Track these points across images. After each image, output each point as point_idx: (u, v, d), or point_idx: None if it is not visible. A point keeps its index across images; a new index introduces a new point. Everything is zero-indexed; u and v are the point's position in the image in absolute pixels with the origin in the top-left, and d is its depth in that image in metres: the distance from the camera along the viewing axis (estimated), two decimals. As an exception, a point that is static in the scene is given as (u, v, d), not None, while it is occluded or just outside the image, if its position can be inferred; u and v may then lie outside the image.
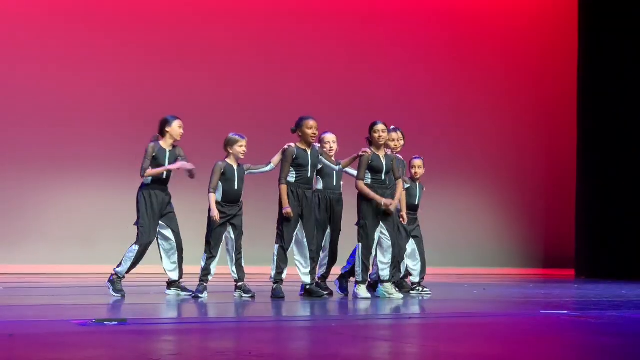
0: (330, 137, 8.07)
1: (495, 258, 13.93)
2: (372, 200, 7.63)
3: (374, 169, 7.66)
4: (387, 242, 7.72)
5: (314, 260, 7.70)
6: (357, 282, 7.75)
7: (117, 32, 12.13)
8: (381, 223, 7.71)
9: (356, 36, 13.57)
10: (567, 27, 14.82)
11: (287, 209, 7.47)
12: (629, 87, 13.76)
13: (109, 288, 7.41)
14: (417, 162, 8.51)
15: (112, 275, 7.45)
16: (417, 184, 8.55)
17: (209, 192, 7.46)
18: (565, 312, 6.82)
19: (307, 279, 7.70)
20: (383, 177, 7.71)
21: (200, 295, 7.40)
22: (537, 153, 14.69)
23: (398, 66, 13.87)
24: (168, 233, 7.52)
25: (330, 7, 13.45)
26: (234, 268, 7.55)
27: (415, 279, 8.54)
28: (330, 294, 7.95)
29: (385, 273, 7.74)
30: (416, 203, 8.53)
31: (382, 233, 7.74)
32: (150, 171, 7.40)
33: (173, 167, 7.46)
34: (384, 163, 7.69)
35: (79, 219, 11.18)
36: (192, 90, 12.35)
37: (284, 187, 7.54)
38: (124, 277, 7.47)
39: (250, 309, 6.90)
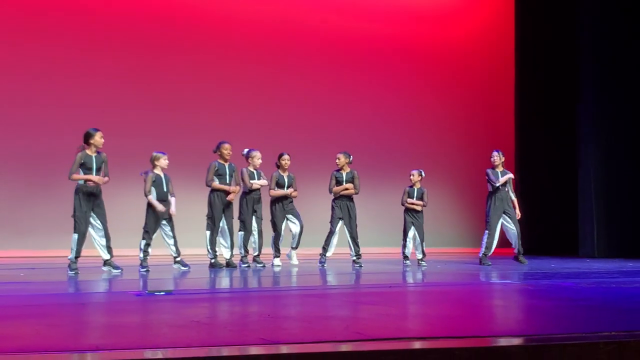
0: (256, 154, 8.92)
1: (456, 239, 13.96)
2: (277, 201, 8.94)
3: (279, 184, 8.91)
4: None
5: (232, 242, 8.61)
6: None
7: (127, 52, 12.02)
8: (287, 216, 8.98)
9: (333, 64, 13.55)
10: (506, 59, 14.88)
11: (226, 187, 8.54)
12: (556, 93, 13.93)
13: (69, 269, 7.32)
14: (413, 172, 9.52)
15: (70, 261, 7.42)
16: (415, 188, 9.43)
17: (146, 195, 7.96)
18: (509, 281, 6.85)
19: (228, 255, 8.58)
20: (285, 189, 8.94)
21: (148, 270, 7.75)
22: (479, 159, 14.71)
23: (383, 96, 13.90)
24: (97, 223, 7.50)
25: (314, 46, 13.42)
26: (173, 248, 8.11)
27: (419, 255, 9.41)
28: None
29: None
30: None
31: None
32: (76, 176, 7.40)
33: (92, 177, 7.38)
34: (285, 181, 8.92)
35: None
36: (193, 107, 12.27)
37: (214, 184, 8.50)
38: (76, 260, 7.39)
39: (267, 281, 6.92)
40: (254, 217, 8.77)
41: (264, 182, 8.87)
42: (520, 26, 14.71)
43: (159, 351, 2.84)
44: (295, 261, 9.22)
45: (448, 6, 14.79)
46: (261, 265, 8.61)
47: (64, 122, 11.17)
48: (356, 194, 9.09)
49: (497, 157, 9.62)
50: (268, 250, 9.14)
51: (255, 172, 8.85)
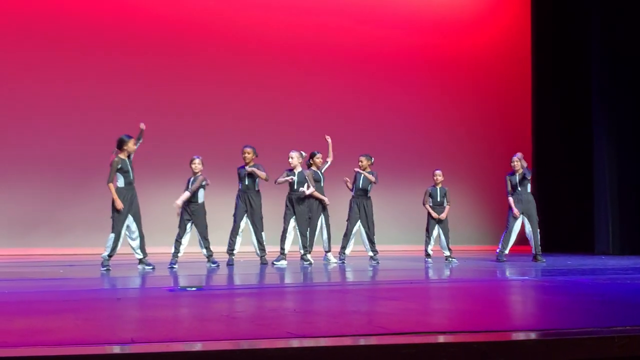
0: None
1: (475, 237, 13.86)
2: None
3: (315, 180, 8.72)
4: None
5: (263, 241, 8.45)
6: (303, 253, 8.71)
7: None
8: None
9: (354, 71, 13.48)
10: (523, 64, 14.75)
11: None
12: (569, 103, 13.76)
13: (101, 266, 7.40)
14: (436, 172, 9.52)
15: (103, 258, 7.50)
16: (438, 187, 9.47)
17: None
18: (526, 277, 6.80)
19: (259, 252, 8.48)
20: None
21: (172, 267, 7.81)
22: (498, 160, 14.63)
23: (404, 100, 13.84)
24: (132, 224, 7.56)
25: (337, 54, 13.37)
26: (204, 250, 8.11)
27: (446, 252, 9.49)
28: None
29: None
30: (438, 200, 9.44)
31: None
32: (114, 183, 7.46)
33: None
34: (321, 177, 8.88)
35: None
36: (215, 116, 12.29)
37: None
38: (109, 258, 7.47)
39: (292, 277, 6.93)
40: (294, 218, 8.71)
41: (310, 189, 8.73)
42: (536, 32, 14.56)
43: (191, 344, 2.86)
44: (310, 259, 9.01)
45: (466, 15, 14.70)
46: (308, 263, 8.51)
47: (102, 126, 11.27)
48: (375, 183, 9.07)
49: (517, 163, 9.48)
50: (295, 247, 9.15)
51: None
